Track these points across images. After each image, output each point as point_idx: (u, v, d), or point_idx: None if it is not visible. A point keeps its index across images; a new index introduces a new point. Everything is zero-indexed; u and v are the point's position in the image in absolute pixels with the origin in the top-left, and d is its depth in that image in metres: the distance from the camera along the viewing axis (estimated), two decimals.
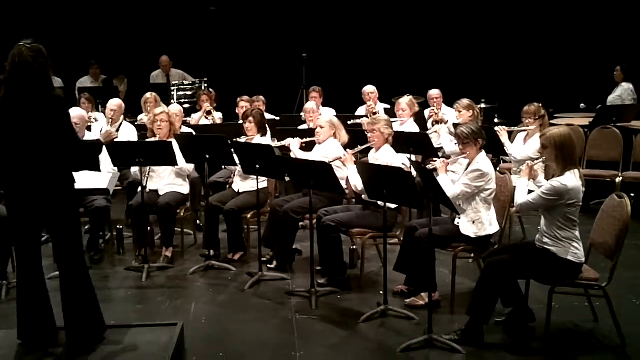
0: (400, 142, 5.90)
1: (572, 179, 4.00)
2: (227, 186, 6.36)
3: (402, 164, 5.25)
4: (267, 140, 6.20)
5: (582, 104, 9.08)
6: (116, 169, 5.92)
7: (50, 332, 3.91)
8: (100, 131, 6.63)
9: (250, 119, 6.11)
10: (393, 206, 5.10)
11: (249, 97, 8.03)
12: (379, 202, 4.92)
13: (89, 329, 3.88)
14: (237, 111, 7.86)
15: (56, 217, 3.75)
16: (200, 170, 6.48)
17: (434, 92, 8.02)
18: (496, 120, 8.71)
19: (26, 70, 3.61)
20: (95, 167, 4.72)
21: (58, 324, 3.94)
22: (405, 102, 7.14)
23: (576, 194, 4.01)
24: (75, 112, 5.81)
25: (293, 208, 5.56)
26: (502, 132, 6.21)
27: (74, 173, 3.84)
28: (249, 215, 5.88)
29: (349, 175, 5.38)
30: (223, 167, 6.90)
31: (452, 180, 4.85)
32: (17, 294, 3.91)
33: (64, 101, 3.80)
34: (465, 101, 6.46)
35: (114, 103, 6.94)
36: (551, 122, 6.96)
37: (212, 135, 6.26)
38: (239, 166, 5.72)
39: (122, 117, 7.05)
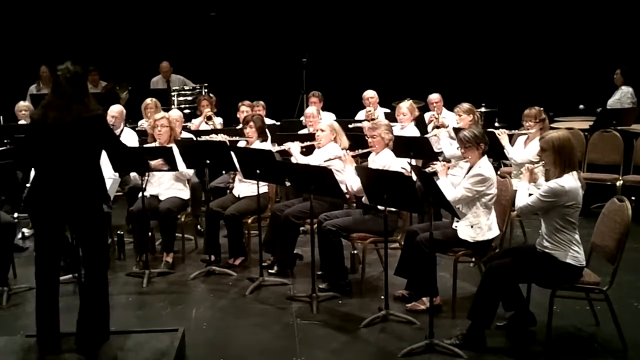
0: (401, 146, 5.90)
1: (570, 180, 4.00)
2: (228, 191, 6.37)
3: (402, 168, 5.25)
4: (267, 145, 6.20)
5: (581, 105, 9.09)
6: (117, 174, 5.92)
7: (54, 337, 3.91)
8: None
9: (251, 124, 6.12)
10: (393, 210, 5.10)
11: (250, 102, 8.04)
12: (380, 207, 4.92)
13: (99, 334, 3.90)
14: (238, 116, 7.86)
15: (84, 223, 3.83)
16: (201, 175, 6.48)
17: (434, 97, 8.03)
18: (496, 124, 8.72)
19: (65, 97, 3.75)
20: None
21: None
22: (405, 106, 7.15)
23: (574, 195, 4.00)
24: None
25: (294, 213, 5.56)
26: (502, 135, 6.22)
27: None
28: (249, 220, 5.88)
29: (346, 176, 5.39)
30: (223, 172, 6.90)
31: (452, 183, 4.85)
32: (37, 297, 3.92)
33: (100, 119, 3.88)
34: (465, 105, 6.47)
35: (115, 109, 6.95)
36: (551, 125, 6.97)
37: (213, 140, 6.27)
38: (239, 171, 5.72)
39: (122, 123, 7.06)
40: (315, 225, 5.27)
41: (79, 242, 3.90)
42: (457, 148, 5.14)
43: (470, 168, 4.79)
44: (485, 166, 4.70)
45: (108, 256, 4.08)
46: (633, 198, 7.03)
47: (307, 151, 6.16)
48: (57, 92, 3.78)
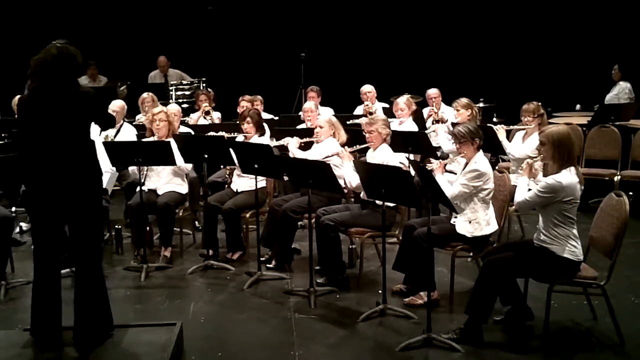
0: (399, 141, 5.90)
1: (567, 176, 4.01)
2: (226, 186, 6.36)
3: (400, 162, 5.25)
4: (265, 139, 6.20)
5: (577, 105, 9.09)
6: (114, 168, 5.92)
7: (56, 331, 3.90)
8: (99, 134, 6.60)
9: (248, 119, 6.11)
10: (391, 205, 5.10)
11: (250, 96, 8.03)
12: (378, 201, 4.92)
13: (97, 327, 3.90)
14: (238, 110, 7.84)
15: (79, 213, 3.80)
16: (199, 170, 6.47)
17: (433, 91, 8.02)
18: (495, 119, 8.73)
19: (47, 69, 3.73)
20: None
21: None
22: (402, 101, 7.15)
23: (572, 191, 4.01)
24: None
25: (292, 207, 5.56)
26: (500, 130, 6.22)
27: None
28: (247, 215, 5.88)
29: (345, 172, 5.39)
30: (221, 166, 6.90)
31: (449, 181, 4.86)
32: (33, 291, 3.90)
33: (89, 96, 3.87)
34: (463, 100, 6.47)
35: (116, 104, 6.93)
36: (549, 121, 6.97)
37: (211, 135, 6.26)
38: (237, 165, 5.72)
39: (122, 118, 7.04)
40: (313, 220, 5.27)
41: (75, 234, 3.87)
42: (453, 143, 5.15)
43: (466, 164, 4.79)
44: (481, 161, 4.70)
45: (102, 250, 4.04)
46: (631, 193, 7.06)
47: (306, 146, 6.15)
48: (42, 71, 3.74)
